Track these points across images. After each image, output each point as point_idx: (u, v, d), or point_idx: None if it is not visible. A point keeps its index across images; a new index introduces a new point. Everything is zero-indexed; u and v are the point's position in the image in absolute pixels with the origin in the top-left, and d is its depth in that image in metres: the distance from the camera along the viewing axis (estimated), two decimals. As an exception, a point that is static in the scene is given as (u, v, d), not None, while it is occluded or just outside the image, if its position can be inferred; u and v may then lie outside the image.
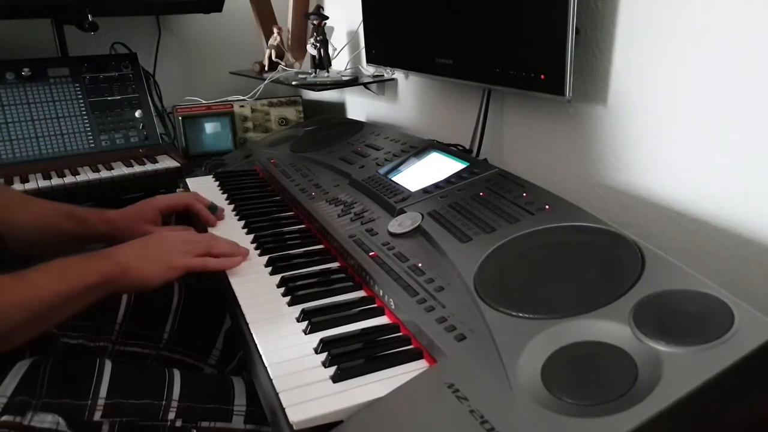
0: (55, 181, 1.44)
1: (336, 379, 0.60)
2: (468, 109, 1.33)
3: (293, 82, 1.63)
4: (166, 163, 1.59)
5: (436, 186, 0.94)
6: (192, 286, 1.00)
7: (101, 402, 0.71)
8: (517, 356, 0.55)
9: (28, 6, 1.56)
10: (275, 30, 1.80)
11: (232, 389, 0.80)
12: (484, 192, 0.87)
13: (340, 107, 1.98)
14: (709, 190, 0.88)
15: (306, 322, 0.71)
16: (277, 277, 0.83)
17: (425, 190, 0.93)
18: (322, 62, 1.63)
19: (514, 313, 0.61)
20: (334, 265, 0.87)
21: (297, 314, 0.73)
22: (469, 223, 0.80)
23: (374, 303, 0.75)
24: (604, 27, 0.98)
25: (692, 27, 0.86)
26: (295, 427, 0.55)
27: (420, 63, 1.35)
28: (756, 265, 0.83)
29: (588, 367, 0.53)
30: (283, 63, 1.85)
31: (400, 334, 0.68)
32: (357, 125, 1.39)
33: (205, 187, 1.24)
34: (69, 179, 1.45)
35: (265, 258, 0.89)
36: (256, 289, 0.81)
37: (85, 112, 1.63)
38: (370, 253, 0.81)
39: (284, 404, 0.57)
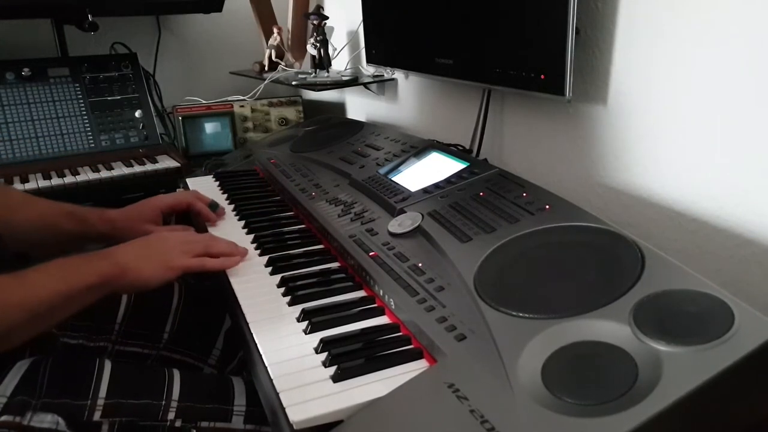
0: (55, 181, 1.44)
1: (336, 378, 0.60)
2: (468, 109, 1.33)
3: (293, 82, 1.63)
4: (166, 163, 1.59)
5: (436, 186, 0.94)
6: (192, 286, 1.00)
7: (101, 402, 0.71)
8: (517, 356, 0.55)
9: (28, 6, 1.56)
10: (275, 30, 1.80)
11: (232, 389, 0.80)
12: (484, 192, 0.87)
13: (340, 107, 1.98)
14: (709, 190, 0.88)
15: (306, 322, 0.71)
16: (277, 277, 0.83)
17: (425, 190, 0.93)
18: (322, 62, 1.63)
19: (514, 313, 0.61)
20: (334, 265, 0.87)
21: (297, 314, 0.73)
22: (469, 223, 0.80)
23: (374, 303, 0.75)
24: (604, 27, 0.98)
25: (692, 27, 0.86)
26: (295, 427, 0.55)
27: (420, 63, 1.35)
28: (756, 265, 0.83)
29: (588, 367, 0.53)
30: (283, 63, 1.85)
31: (400, 334, 0.68)
32: (357, 125, 1.39)
33: (205, 187, 1.24)
34: (69, 179, 1.45)
35: (265, 258, 0.89)
36: (256, 289, 0.81)
37: (85, 112, 1.63)
38: (370, 253, 0.81)
39: (284, 404, 0.57)
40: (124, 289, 0.80)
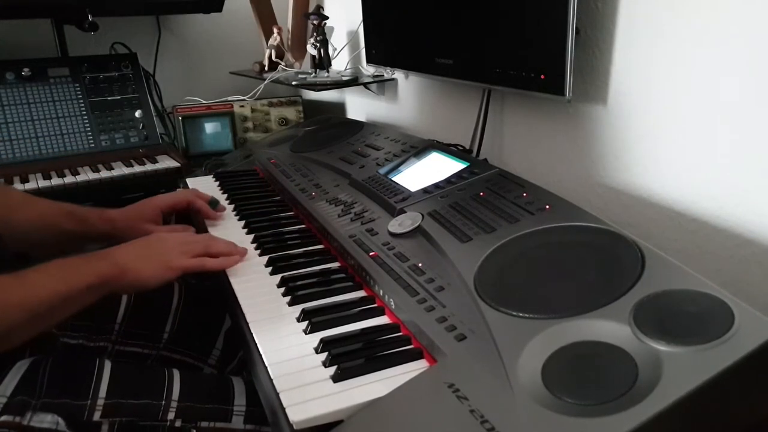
0: (55, 181, 1.44)
1: (336, 378, 0.60)
2: (468, 109, 1.33)
3: (293, 82, 1.63)
4: (166, 163, 1.59)
5: (436, 186, 0.94)
6: (192, 286, 1.00)
7: (101, 402, 0.71)
8: (517, 356, 0.55)
9: (28, 6, 1.56)
10: (275, 30, 1.80)
11: (232, 389, 0.80)
12: (484, 192, 0.87)
13: (340, 107, 1.98)
14: (709, 190, 0.88)
15: (306, 322, 0.71)
16: (278, 277, 0.83)
17: (425, 190, 0.93)
18: (322, 62, 1.63)
19: (514, 313, 0.61)
20: (334, 265, 0.87)
21: (297, 314, 0.73)
22: (469, 223, 0.80)
23: (374, 303, 0.75)
24: (604, 27, 0.98)
25: (692, 27, 0.86)
26: (295, 427, 0.55)
27: (420, 63, 1.35)
28: (756, 265, 0.83)
29: (588, 367, 0.53)
30: (283, 63, 1.85)
31: (400, 334, 0.68)
32: (357, 125, 1.39)
33: (205, 187, 1.24)
34: (69, 179, 1.45)
35: (265, 258, 0.89)
36: (256, 289, 0.81)
37: (85, 112, 1.63)
38: (370, 253, 0.81)
39: (284, 404, 0.57)
40: (123, 290, 0.80)
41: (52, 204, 0.95)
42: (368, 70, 1.66)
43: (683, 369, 0.49)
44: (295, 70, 1.81)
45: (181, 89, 1.92)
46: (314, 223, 0.99)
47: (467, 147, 1.31)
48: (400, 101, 1.65)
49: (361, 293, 0.78)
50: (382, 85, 1.71)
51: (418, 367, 0.62)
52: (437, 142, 1.19)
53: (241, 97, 1.83)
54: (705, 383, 0.47)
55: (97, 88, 1.66)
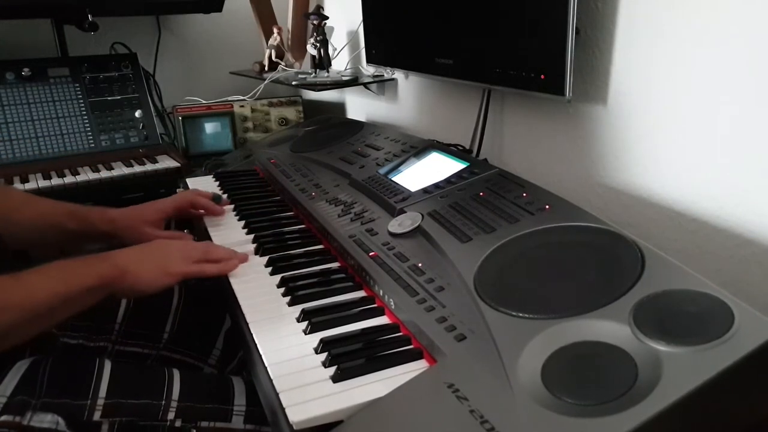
0: (55, 181, 1.44)
1: (336, 379, 0.60)
2: (468, 109, 1.33)
3: (293, 82, 1.63)
4: (166, 163, 1.59)
5: (436, 186, 0.94)
6: (192, 286, 1.00)
7: (101, 402, 0.71)
8: (517, 356, 0.55)
9: (28, 6, 1.56)
10: (275, 30, 1.80)
11: (232, 389, 0.80)
12: (484, 192, 0.87)
13: (340, 107, 1.98)
14: (709, 190, 0.88)
15: (306, 322, 0.71)
16: (277, 277, 0.83)
17: (425, 190, 0.93)
18: (322, 62, 1.63)
19: (514, 313, 0.61)
20: (334, 265, 0.87)
21: (297, 314, 0.73)
22: (469, 223, 0.80)
23: (374, 303, 0.75)
24: (604, 27, 0.98)
25: (692, 27, 0.86)
26: (295, 427, 0.55)
27: (420, 63, 1.35)
28: (756, 265, 0.83)
29: (588, 367, 0.53)
30: (283, 63, 1.85)
31: (400, 334, 0.68)
32: (357, 125, 1.39)
33: (205, 188, 1.24)
34: (69, 179, 1.45)
35: (265, 258, 0.89)
36: (256, 289, 0.81)
37: (85, 112, 1.63)
38: (370, 253, 0.81)
39: (284, 404, 0.57)
40: (123, 293, 0.80)
41: (53, 203, 0.95)
42: (368, 70, 1.66)
43: (683, 369, 0.49)
44: (295, 70, 1.81)
45: (181, 89, 1.92)
46: (314, 223, 0.99)
47: (467, 147, 1.31)
48: (400, 101, 1.65)
49: (361, 293, 0.78)
50: (382, 85, 1.71)
51: (418, 367, 0.62)
52: (437, 142, 1.19)
53: (241, 97, 1.83)
54: (705, 383, 0.47)
55: (97, 88, 1.66)
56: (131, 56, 1.75)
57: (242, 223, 1.04)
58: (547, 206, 0.77)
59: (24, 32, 1.71)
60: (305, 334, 0.70)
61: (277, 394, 0.59)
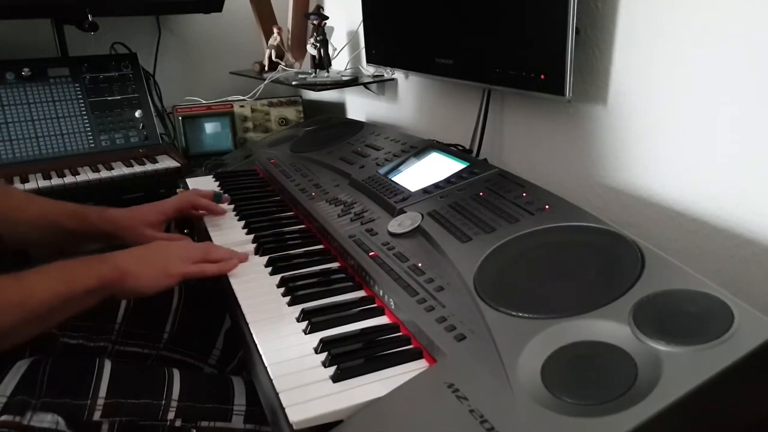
0: (55, 181, 1.44)
1: (336, 378, 0.60)
2: (468, 109, 1.33)
3: (293, 82, 1.63)
4: (166, 163, 1.59)
5: (436, 186, 0.94)
6: (192, 286, 0.99)
7: (101, 402, 0.71)
8: (517, 356, 0.55)
9: (28, 6, 1.56)
10: (275, 30, 1.80)
11: (232, 389, 0.80)
12: (484, 192, 0.87)
13: (340, 107, 1.98)
14: (709, 190, 0.88)
15: (306, 322, 0.71)
16: (277, 277, 0.83)
17: (425, 190, 0.93)
18: (322, 62, 1.63)
19: (513, 313, 0.61)
20: (334, 265, 0.87)
21: (297, 314, 0.73)
22: (469, 223, 0.80)
23: (374, 303, 0.75)
24: (604, 27, 0.98)
25: (692, 27, 0.86)
26: (295, 427, 0.55)
27: (420, 63, 1.35)
28: (756, 265, 0.83)
29: (588, 367, 0.53)
30: (283, 63, 1.85)
31: (400, 334, 0.68)
32: (357, 125, 1.39)
33: (205, 188, 1.24)
34: (69, 179, 1.45)
35: (265, 258, 0.89)
36: (256, 289, 0.81)
37: (85, 112, 1.63)
38: (370, 253, 0.81)
39: (284, 404, 0.57)
40: (123, 294, 0.80)
41: (53, 203, 0.95)
42: (368, 70, 1.66)
43: (683, 369, 0.49)
44: (295, 70, 1.81)
45: (181, 89, 1.92)
46: (314, 223, 0.99)
47: (467, 147, 1.31)
48: (400, 101, 1.65)
49: (360, 293, 0.78)
50: (382, 85, 1.71)
51: (417, 367, 0.62)
52: (437, 142, 1.19)
53: (241, 97, 1.83)
54: (705, 383, 0.47)
55: (97, 88, 1.66)
56: (131, 56, 1.75)
57: (242, 223, 1.04)
58: (547, 206, 0.77)
59: (24, 32, 1.71)
60: (305, 334, 0.70)
61: (277, 394, 0.59)
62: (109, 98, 1.67)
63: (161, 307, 0.94)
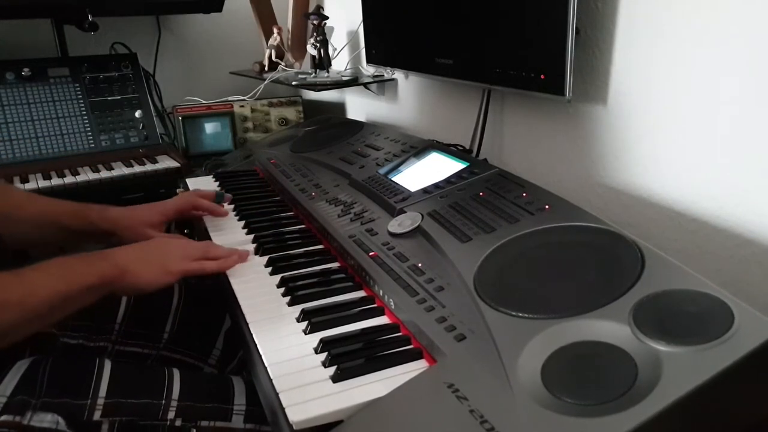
0: (55, 181, 1.44)
1: (336, 379, 0.60)
2: (468, 109, 1.33)
3: (293, 82, 1.63)
4: (166, 163, 1.59)
5: (436, 186, 0.94)
6: (192, 286, 1.00)
7: (101, 401, 0.71)
8: (517, 356, 0.55)
9: (28, 6, 1.56)
10: (275, 30, 1.80)
11: (232, 388, 0.80)
12: (484, 192, 0.87)
13: (340, 107, 1.98)
14: (709, 190, 0.88)
15: (306, 322, 0.71)
16: (277, 277, 0.83)
17: (425, 190, 0.93)
18: (322, 62, 1.63)
19: (513, 313, 0.61)
20: (334, 265, 0.87)
21: (297, 314, 0.73)
22: (469, 223, 0.80)
23: (374, 303, 0.75)
24: (604, 27, 0.98)
25: (692, 27, 0.86)
26: (295, 427, 0.55)
27: (420, 63, 1.35)
28: (756, 265, 0.83)
29: (588, 367, 0.53)
30: (283, 63, 1.85)
31: (400, 334, 0.68)
32: (357, 125, 1.39)
33: (205, 188, 1.24)
34: (69, 179, 1.45)
35: (265, 258, 0.89)
36: (256, 289, 0.81)
37: (85, 112, 1.63)
38: (370, 253, 0.81)
39: (284, 404, 0.57)
40: (122, 291, 0.80)
41: (53, 201, 0.96)
42: (368, 70, 1.66)
43: (683, 369, 0.49)
44: (295, 70, 1.81)
45: (181, 89, 1.92)
46: (314, 223, 0.99)
47: (467, 147, 1.31)
48: (400, 101, 1.65)
49: (360, 293, 0.78)
50: (382, 85, 1.71)
51: (417, 367, 0.62)
52: (437, 142, 1.19)
53: (241, 97, 1.83)
54: (705, 383, 0.47)
55: (97, 88, 1.66)
56: (131, 56, 1.75)
57: (242, 223, 1.04)
58: (547, 206, 0.77)
59: (24, 32, 1.71)
60: (305, 334, 0.70)
61: (276, 394, 0.59)
62: (109, 98, 1.67)
63: (161, 307, 0.94)
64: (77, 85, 1.64)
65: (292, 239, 0.96)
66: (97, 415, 0.70)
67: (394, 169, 1.07)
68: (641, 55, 0.94)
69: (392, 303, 0.72)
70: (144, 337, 0.91)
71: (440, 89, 1.46)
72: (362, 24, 1.54)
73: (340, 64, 1.78)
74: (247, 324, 0.73)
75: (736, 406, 0.53)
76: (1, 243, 0.87)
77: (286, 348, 0.67)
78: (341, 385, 0.60)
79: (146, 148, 1.65)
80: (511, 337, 0.58)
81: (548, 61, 0.97)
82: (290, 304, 0.76)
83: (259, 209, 1.11)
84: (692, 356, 0.49)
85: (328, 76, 1.64)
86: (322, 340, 0.66)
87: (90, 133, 1.62)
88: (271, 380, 0.61)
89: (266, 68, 1.86)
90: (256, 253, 0.92)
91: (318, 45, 1.61)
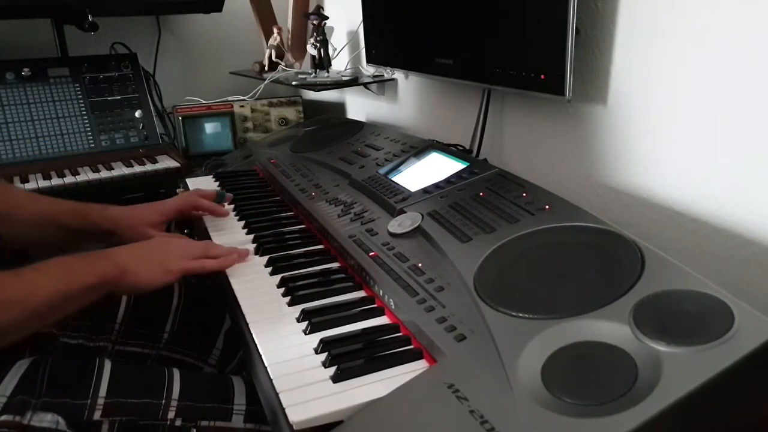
0: (55, 181, 1.44)
1: (336, 379, 0.60)
2: (468, 109, 1.33)
3: (293, 82, 1.63)
4: (166, 163, 1.59)
5: (436, 186, 0.94)
6: (192, 285, 1.00)
7: (101, 401, 0.71)
8: (517, 356, 0.55)
9: (28, 6, 1.56)
10: (275, 30, 1.80)
11: (232, 388, 0.80)
12: (484, 192, 0.87)
13: (340, 107, 1.98)
14: (709, 190, 0.88)
15: (306, 322, 0.71)
16: (277, 277, 0.83)
17: (425, 190, 0.93)
18: (322, 62, 1.63)
19: (514, 313, 0.61)
20: (334, 265, 0.87)
21: (297, 314, 0.73)
22: (469, 223, 0.80)
23: (374, 303, 0.75)
24: (604, 27, 0.98)
25: (692, 27, 0.86)
26: (295, 427, 0.55)
27: (420, 63, 1.35)
28: (756, 265, 0.83)
29: (588, 367, 0.53)
30: (283, 63, 1.85)
31: (400, 334, 0.68)
32: (357, 125, 1.39)
33: (205, 188, 1.24)
34: (69, 179, 1.45)
35: (265, 258, 0.89)
36: (256, 289, 0.81)
37: (85, 112, 1.63)
38: (370, 253, 0.81)
39: (284, 404, 0.57)
40: (123, 290, 0.80)
41: (53, 201, 0.96)
42: (368, 70, 1.66)
43: (683, 369, 0.49)
44: (295, 70, 1.81)
45: (181, 89, 1.92)
46: (314, 223, 0.99)
47: (467, 147, 1.31)
48: (400, 101, 1.65)
49: (361, 293, 0.78)
50: (382, 85, 1.71)
51: (417, 367, 0.62)
52: (437, 142, 1.19)
53: (241, 97, 1.83)
54: (705, 383, 0.47)
55: (97, 88, 1.66)
56: (131, 56, 1.75)
57: (242, 223, 1.04)
58: (547, 206, 0.77)
59: (24, 32, 1.71)
60: (305, 334, 0.70)
61: (277, 394, 0.59)
62: (109, 98, 1.67)
63: (161, 307, 0.94)
64: (77, 85, 1.64)
65: (292, 239, 0.96)
66: (97, 415, 0.70)
67: (394, 169, 1.07)
68: (641, 55, 0.94)
69: (392, 303, 0.72)
70: (144, 336, 0.91)
71: (440, 89, 1.46)
72: (362, 24, 1.54)
73: (340, 64, 1.78)
74: (247, 324, 0.73)
75: (736, 406, 0.53)
76: (1, 243, 0.87)
77: (286, 348, 0.67)
78: (341, 385, 0.60)
79: (146, 148, 1.65)
80: (512, 338, 0.58)
81: (548, 61, 0.97)
82: (290, 304, 0.76)
83: (259, 209, 1.11)
84: (692, 356, 0.49)
85: (328, 76, 1.64)
86: (322, 341, 0.66)
87: (90, 133, 1.62)
88: (271, 380, 0.61)
89: (266, 68, 1.86)
90: (256, 253, 0.92)
91: (318, 45, 1.61)
